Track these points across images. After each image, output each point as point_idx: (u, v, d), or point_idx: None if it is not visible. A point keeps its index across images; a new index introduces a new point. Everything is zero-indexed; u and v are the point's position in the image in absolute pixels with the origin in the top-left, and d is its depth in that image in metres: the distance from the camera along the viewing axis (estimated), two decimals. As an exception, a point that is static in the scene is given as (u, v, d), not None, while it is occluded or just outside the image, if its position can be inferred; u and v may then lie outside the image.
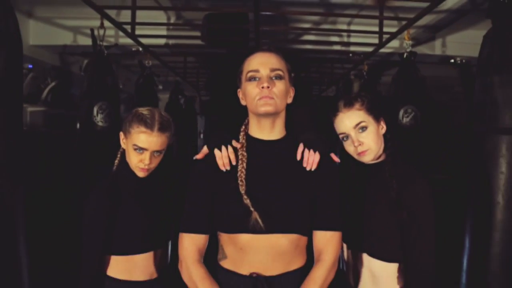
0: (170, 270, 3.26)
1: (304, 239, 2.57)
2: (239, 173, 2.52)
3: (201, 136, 12.97)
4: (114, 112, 5.36)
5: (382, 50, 5.79)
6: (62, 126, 7.00)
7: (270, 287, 2.48)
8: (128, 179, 3.10)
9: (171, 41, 6.40)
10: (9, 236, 3.28)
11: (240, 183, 2.49)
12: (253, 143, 2.63)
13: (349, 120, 2.82)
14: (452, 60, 6.66)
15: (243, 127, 2.70)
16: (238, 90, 2.69)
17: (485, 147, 3.52)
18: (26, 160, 3.51)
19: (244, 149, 2.59)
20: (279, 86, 2.52)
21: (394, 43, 6.04)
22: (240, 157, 2.57)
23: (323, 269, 2.50)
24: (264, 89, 2.48)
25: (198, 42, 5.98)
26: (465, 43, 5.91)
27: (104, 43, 5.32)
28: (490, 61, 3.49)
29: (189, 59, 7.98)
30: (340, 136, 2.89)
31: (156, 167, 3.08)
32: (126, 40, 5.84)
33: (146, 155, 2.94)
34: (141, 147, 2.93)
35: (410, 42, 5.36)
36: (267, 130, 2.61)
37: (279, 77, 2.53)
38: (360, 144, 2.80)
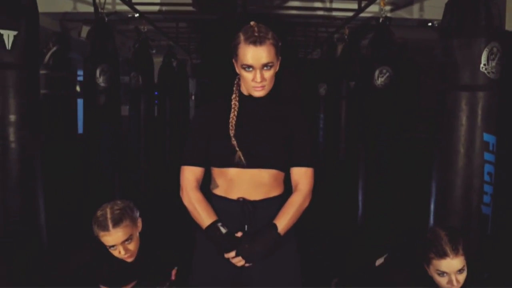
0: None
1: (281, 174, 3.01)
2: (230, 119, 2.93)
3: (192, 97, 13.28)
4: (114, 74, 5.81)
5: (362, 14, 6.08)
6: (63, 87, 7.36)
7: (254, 208, 2.92)
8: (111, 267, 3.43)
9: (164, 8, 6.71)
10: (30, 179, 3.87)
11: (230, 127, 2.91)
12: (243, 98, 3.01)
13: (455, 265, 3.05)
14: (430, 24, 6.79)
15: (235, 84, 3.05)
16: (233, 60, 2.97)
17: (447, 103, 3.95)
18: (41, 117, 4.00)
19: (237, 98, 2.99)
20: (270, 73, 2.86)
21: (374, 8, 6.27)
22: (232, 106, 2.97)
23: (299, 195, 2.95)
24: (257, 80, 2.84)
25: (190, 8, 6.20)
26: (442, 7, 6.08)
27: (104, 11, 5.68)
28: (451, 25, 3.91)
29: (181, 24, 8.23)
30: (438, 272, 3.10)
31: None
32: (122, 7, 6.24)
33: (119, 249, 3.22)
34: (110, 245, 3.22)
35: (388, 7, 5.68)
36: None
37: (270, 67, 2.86)
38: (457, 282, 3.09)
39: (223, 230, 2.85)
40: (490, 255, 4.00)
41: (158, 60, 9.93)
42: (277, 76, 2.94)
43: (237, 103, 2.97)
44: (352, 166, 7.10)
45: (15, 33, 3.59)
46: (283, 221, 2.88)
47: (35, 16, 3.84)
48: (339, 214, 7.53)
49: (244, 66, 2.82)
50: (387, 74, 5.82)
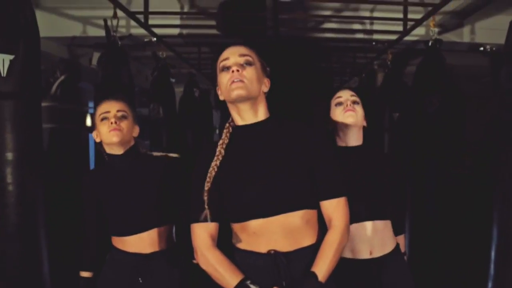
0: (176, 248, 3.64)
1: (313, 213, 2.77)
2: (210, 169, 2.75)
3: (217, 131, 12.91)
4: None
5: (407, 38, 5.87)
6: (72, 121, 7.15)
7: (288, 262, 2.67)
8: (110, 168, 3.55)
9: (185, 31, 6.50)
10: (31, 227, 3.60)
11: (208, 179, 2.73)
12: (240, 131, 2.82)
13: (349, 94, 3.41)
14: (482, 48, 6.61)
15: (227, 124, 2.88)
16: (217, 88, 2.88)
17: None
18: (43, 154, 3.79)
19: (224, 146, 2.79)
20: (249, 71, 2.72)
21: (420, 31, 6.03)
22: (217, 153, 2.78)
23: (336, 233, 2.71)
24: (234, 73, 2.68)
25: (213, 31, 6.11)
26: (495, 30, 5.85)
27: (117, 34, 5.49)
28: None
29: (204, 49, 8.01)
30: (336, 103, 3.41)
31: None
32: (138, 31, 6.01)
33: (111, 118, 3.38)
34: (104, 111, 3.38)
35: (436, 29, 5.48)
36: (248, 115, 2.79)
37: (249, 63, 2.73)
38: None
39: None
40: None
41: (178, 90, 9.63)
42: (309, 108, 2.79)
43: (222, 151, 2.79)
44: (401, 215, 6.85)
45: (11, 57, 3.34)
46: (323, 266, 2.65)
47: (35, 37, 3.60)
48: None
49: (221, 65, 2.75)
50: (438, 103, 5.58)
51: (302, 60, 8.26)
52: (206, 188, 2.71)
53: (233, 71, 2.69)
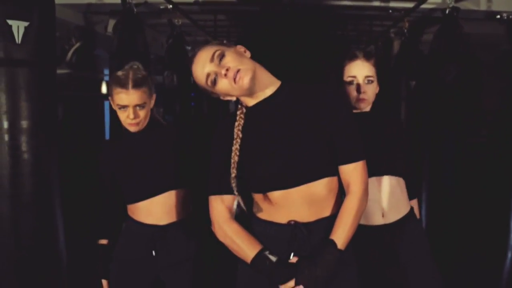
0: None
1: (335, 180, 2.74)
2: (232, 154, 2.69)
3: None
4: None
5: (424, 5, 5.81)
6: (87, 88, 7.18)
7: (309, 232, 2.66)
8: (126, 137, 3.56)
9: (200, -2, 6.45)
10: (46, 196, 3.61)
11: (232, 165, 2.68)
12: (253, 110, 2.74)
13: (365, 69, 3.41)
14: (498, 16, 6.48)
15: (239, 106, 2.81)
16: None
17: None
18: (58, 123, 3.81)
19: (240, 128, 2.72)
20: (231, 62, 2.61)
21: None
22: (235, 136, 2.71)
23: (354, 199, 2.68)
24: (228, 74, 2.58)
25: None
26: None
27: (133, 1, 5.44)
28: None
29: (220, 17, 7.93)
30: (348, 80, 3.43)
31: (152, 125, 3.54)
32: (153, -2, 6.00)
33: (129, 111, 3.33)
34: (123, 105, 3.32)
35: None
36: (256, 94, 2.72)
37: (223, 55, 2.62)
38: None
39: (273, 259, 2.62)
40: None
41: (194, 58, 9.59)
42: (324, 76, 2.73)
43: (240, 133, 2.73)
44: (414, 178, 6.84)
45: (26, 24, 3.31)
46: (341, 233, 2.64)
47: (50, 4, 3.57)
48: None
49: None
50: (455, 72, 5.53)
51: (317, 28, 8.22)
52: (232, 175, 2.68)
53: (225, 75, 2.59)
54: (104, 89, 7.88)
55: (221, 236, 2.75)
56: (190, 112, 8.64)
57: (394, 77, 7.78)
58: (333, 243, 2.61)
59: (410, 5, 6.00)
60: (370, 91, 3.36)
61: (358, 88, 3.31)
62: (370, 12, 7.39)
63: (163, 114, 7.90)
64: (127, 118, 3.35)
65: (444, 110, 5.69)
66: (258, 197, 2.76)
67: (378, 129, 3.38)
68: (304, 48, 9.38)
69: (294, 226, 2.67)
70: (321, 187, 2.68)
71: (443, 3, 5.93)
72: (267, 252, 2.64)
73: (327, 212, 2.72)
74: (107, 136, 7.52)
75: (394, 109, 7.67)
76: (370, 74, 3.35)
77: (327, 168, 2.70)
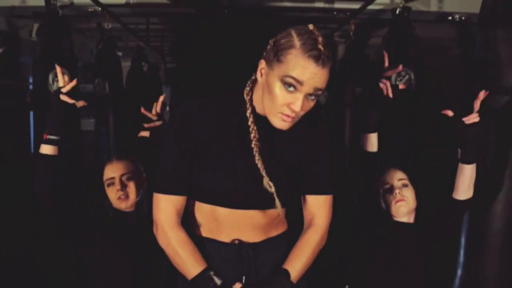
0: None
1: (283, 210, 2.63)
2: (252, 143, 2.46)
3: (167, 108, 12.53)
4: (72, 79, 5.27)
5: (371, 6, 5.75)
6: (11, 98, 6.95)
7: (255, 253, 2.53)
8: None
9: (132, 0, 6.30)
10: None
11: (256, 155, 2.45)
12: (256, 117, 2.51)
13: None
14: (450, 17, 6.45)
15: (247, 91, 2.54)
16: (261, 61, 2.44)
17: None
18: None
19: (253, 117, 2.49)
20: (311, 105, 2.37)
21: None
22: (250, 125, 2.48)
23: (317, 233, 2.57)
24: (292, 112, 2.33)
25: (163, 0, 5.97)
26: None
27: (58, 3, 5.30)
28: (494, 13, 3.50)
29: (153, 20, 7.89)
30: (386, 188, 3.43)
31: None
32: (81, 0, 5.84)
33: (117, 185, 3.40)
34: (109, 177, 3.43)
35: None
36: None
37: (316, 96, 2.34)
38: None
39: (218, 281, 2.42)
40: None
41: (125, 65, 9.49)
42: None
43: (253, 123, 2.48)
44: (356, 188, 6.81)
45: None
46: (297, 265, 2.50)
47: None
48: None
49: (288, 81, 2.25)
50: (407, 77, 5.44)
51: (257, 31, 8.14)
52: (260, 166, 2.48)
53: (292, 116, 2.33)
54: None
55: (163, 243, 2.53)
56: (131, 121, 8.41)
57: (338, 83, 7.71)
58: (286, 273, 2.47)
59: (356, 6, 5.92)
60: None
61: None
62: (313, 14, 7.20)
63: (96, 126, 7.77)
64: (116, 194, 3.39)
65: (395, 119, 5.59)
66: (195, 207, 2.59)
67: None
68: (243, 52, 9.34)
69: (239, 246, 2.53)
70: (273, 214, 2.57)
71: (391, 4, 5.92)
72: (212, 273, 2.45)
73: (274, 232, 2.63)
74: (32, 149, 7.22)
75: (338, 117, 7.64)
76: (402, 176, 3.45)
77: (285, 200, 2.56)
